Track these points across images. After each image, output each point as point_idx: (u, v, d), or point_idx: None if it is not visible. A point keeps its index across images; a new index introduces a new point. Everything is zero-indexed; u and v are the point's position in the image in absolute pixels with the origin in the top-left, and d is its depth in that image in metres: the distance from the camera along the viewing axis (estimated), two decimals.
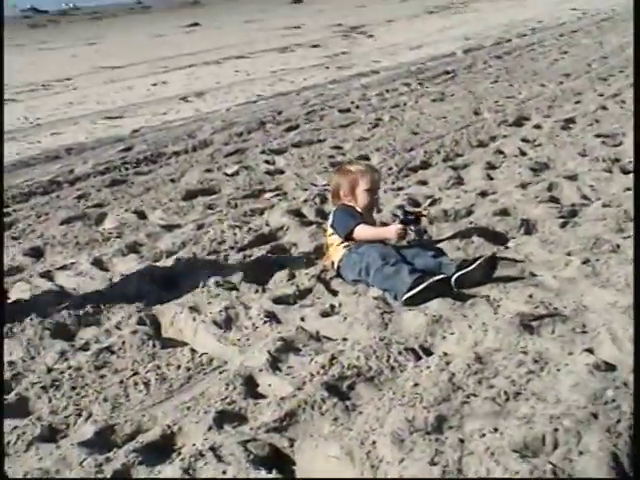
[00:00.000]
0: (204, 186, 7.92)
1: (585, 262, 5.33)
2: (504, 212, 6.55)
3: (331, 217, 5.71)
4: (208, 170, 8.57)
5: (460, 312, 4.71)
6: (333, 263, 5.54)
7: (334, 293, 5.28)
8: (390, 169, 8.13)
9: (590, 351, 4.15)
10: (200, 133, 10.51)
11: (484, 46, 19.76)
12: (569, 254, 5.57)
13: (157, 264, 5.90)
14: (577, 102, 11.80)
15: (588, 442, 3.32)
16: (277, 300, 5.13)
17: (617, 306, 4.58)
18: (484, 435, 3.43)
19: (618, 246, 5.64)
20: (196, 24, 29.52)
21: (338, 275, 5.49)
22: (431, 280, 4.97)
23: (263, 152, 9.21)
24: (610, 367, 3.97)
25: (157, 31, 25.27)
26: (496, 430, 3.45)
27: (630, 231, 5.94)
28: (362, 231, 5.49)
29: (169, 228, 6.68)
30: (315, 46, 21.55)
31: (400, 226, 5.42)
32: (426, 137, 9.80)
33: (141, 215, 7.25)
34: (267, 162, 8.78)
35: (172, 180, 8.23)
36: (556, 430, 3.40)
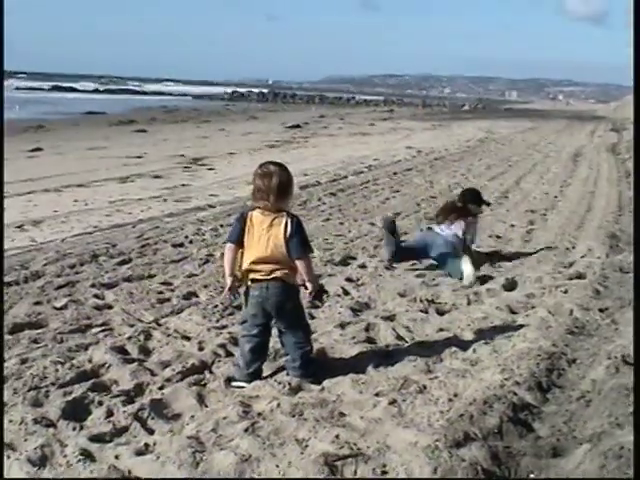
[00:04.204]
0: (31, 319, 7.88)
1: (392, 402, 5.62)
2: (321, 352, 6.82)
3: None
4: (37, 303, 8.52)
5: (270, 451, 4.91)
6: None
7: (150, 432, 5.38)
8: (215, 307, 8.34)
9: None
10: (33, 264, 10.40)
11: (320, 182, 20.39)
12: (378, 394, 5.87)
13: None
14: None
15: None
16: (93, 438, 5.20)
17: (417, 446, 4.85)
18: None
19: (424, 387, 5.97)
20: (39, 149, 29.31)
21: None
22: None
23: (93, 286, 9.24)
24: None
25: None
26: None
27: (437, 372, 6.32)
28: None
29: None
30: (156, 177, 21.75)
31: None
32: None
33: None
34: (96, 296, 8.79)
35: None
36: None
